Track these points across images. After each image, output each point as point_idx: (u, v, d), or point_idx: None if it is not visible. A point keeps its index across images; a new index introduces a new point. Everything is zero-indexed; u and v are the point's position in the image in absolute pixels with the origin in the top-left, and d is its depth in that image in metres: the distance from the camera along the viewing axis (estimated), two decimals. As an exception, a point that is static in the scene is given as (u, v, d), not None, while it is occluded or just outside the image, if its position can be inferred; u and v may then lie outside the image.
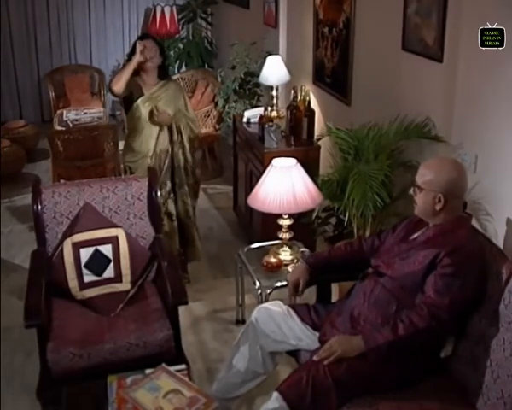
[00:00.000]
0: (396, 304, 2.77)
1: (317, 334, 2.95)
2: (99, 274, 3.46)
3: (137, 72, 4.40)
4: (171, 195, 4.60)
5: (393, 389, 2.67)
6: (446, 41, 3.46)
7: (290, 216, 3.79)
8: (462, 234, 2.75)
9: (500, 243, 3.12)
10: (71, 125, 6.59)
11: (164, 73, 4.57)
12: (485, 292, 2.69)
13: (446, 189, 2.74)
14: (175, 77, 8.44)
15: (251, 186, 4.49)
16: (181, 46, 8.69)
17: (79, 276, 3.44)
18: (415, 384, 2.72)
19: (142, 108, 4.39)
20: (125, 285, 3.50)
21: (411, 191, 2.87)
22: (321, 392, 2.61)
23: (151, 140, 4.46)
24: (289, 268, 3.65)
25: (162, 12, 8.63)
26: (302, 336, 3.01)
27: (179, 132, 4.52)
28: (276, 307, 3.12)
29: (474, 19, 3.12)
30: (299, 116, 4.88)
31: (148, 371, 2.79)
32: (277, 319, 3.05)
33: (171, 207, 4.59)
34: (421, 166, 2.86)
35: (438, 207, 2.75)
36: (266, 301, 3.47)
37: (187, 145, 4.55)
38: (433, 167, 2.80)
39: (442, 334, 2.75)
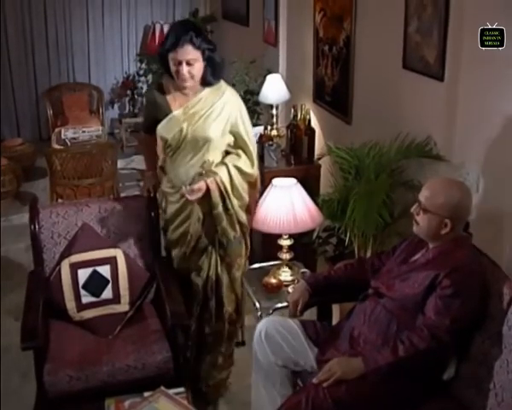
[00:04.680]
0: (396, 325, 2.75)
1: (316, 349, 2.92)
2: (97, 295, 3.43)
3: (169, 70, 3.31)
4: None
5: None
6: (447, 59, 3.44)
7: (290, 236, 3.75)
8: (462, 254, 2.72)
9: (503, 263, 3.08)
10: (69, 143, 6.57)
11: (211, 77, 3.35)
12: (486, 313, 2.66)
13: (454, 214, 2.72)
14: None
15: (251, 206, 4.43)
16: (180, 64, 8.68)
17: (77, 297, 3.41)
18: (416, 407, 2.68)
19: (167, 134, 3.37)
20: (124, 306, 3.47)
21: (413, 209, 2.84)
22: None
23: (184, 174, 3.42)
24: (289, 289, 3.61)
25: (161, 29, 8.67)
26: (304, 353, 2.96)
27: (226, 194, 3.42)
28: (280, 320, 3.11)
29: (476, 38, 3.09)
30: (299, 135, 4.86)
31: (146, 394, 2.76)
32: (283, 332, 3.00)
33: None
34: (428, 186, 2.82)
35: (443, 231, 2.73)
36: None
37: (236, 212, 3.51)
38: (442, 191, 2.76)
39: (443, 355, 2.71)
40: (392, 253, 3.05)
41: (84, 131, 6.93)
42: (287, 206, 3.60)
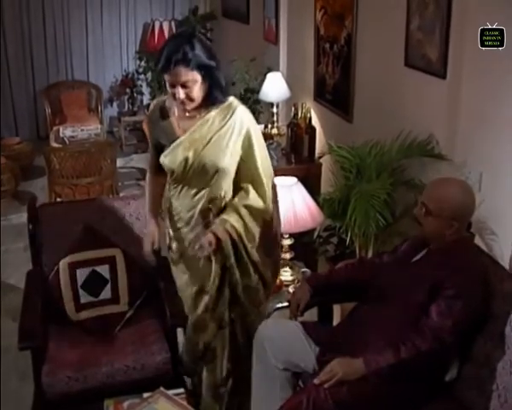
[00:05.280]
0: (398, 326, 2.71)
1: (317, 349, 2.90)
2: (96, 295, 3.41)
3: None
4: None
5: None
6: (450, 57, 3.42)
7: (291, 236, 3.75)
8: (465, 255, 2.72)
9: (506, 263, 3.07)
10: (67, 142, 6.57)
11: (216, 97, 2.92)
12: (489, 314, 2.64)
13: (459, 215, 2.70)
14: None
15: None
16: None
17: (75, 297, 3.39)
18: (418, 409, 2.66)
19: (172, 164, 2.96)
20: (123, 307, 3.45)
21: (416, 212, 2.81)
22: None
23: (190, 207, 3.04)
24: (290, 289, 3.61)
25: (161, 27, 8.64)
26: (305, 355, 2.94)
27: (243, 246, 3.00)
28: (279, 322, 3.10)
29: (479, 27, 3.07)
30: (299, 134, 4.84)
31: (145, 394, 2.74)
32: (284, 334, 2.98)
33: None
34: (431, 189, 2.80)
35: (449, 232, 2.71)
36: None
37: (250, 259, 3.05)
38: (446, 193, 2.73)
39: (445, 356, 2.69)
40: (394, 253, 3.03)
41: (82, 130, 6.93)
42: (287, 205, 3.60)
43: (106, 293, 3.42)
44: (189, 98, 2.82)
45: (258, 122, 5.70)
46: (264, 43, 6.36)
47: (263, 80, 5.32)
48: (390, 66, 4.08)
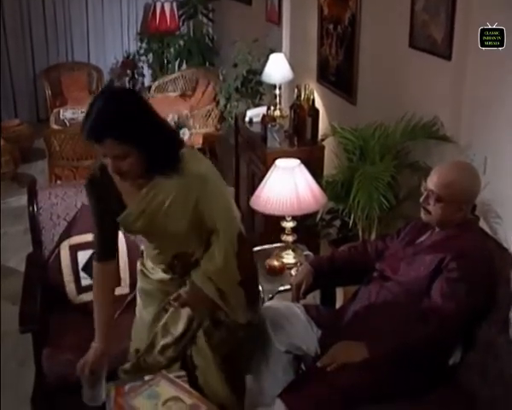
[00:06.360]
0: (401, 309, 2.70)
1: (320, 332, 2.89)
2: (96, 278, 3.38)
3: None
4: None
5: (399, 398, 2.59)
6: (455, 38, 3.38)
7: (293, 218, 3.73)
8: (469, 238, 2.70)
9: (510, 246, 3.03)
10: (68, 124, 6.54)
11: (157, 169, 2.42)
12: (494, 298, 2.62)
13: (467, 198, 2.71)
14: (175, 75, 8.44)
15: (253, 187, 4.41)
16: (181, 43, 8.62)
17: (76, 279, 3.39)
18: (422, 394, 2.63)
19: (129, 229, 2.67)
20: (124, 289, 3.43)
21: (422, 200, 2.78)
22: (324, 399, 2.53)
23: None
24: (292, 272, 3.59)
25: (162, 8, 8.59)
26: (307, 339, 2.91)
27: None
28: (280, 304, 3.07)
29: (484, 14, 3.05)
30: (302, 115, 4.80)
31: (147, 377, 2.70)
32: (286, 317, 2.95)
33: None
34: (438, 174, 2.74)
35: (458, 215, 2.70)
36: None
37: None
38: (454, 177, 2.71)
39: (448, 340, 2.67)
40: (397, 235, 3.02)
41: (83, 112, 6.80)
42: (290, 187, 3.58)
43: (107, 275, 3.40)
44: (125, 170, 2.35)
45: (261, 104, 5.71)
46: (267, 24, 6.32)
47: (265, 62, 5.29)
48: (394, 47, 4.05)
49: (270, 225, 4.26)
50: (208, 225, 2.54)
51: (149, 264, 2.75)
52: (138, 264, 2.79)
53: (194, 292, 2.57)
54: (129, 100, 2.36)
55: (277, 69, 5.16)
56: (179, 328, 2.70)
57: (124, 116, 2.27)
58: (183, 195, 2.45)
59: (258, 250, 3.93)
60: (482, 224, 3.06)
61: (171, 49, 8.57)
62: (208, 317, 2.69)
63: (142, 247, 2.80)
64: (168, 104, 7.34)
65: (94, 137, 2.27)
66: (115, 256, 2.66)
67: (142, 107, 2.38)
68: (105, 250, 2.60)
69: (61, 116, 6.78)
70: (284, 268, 3.68)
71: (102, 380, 2.58)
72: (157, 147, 2.36)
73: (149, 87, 8.52)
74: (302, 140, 4.81)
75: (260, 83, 5.82)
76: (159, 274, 2.72)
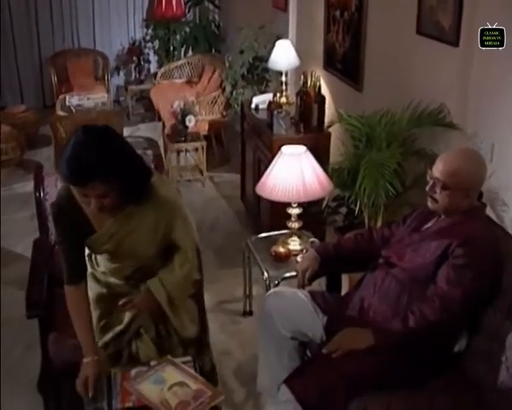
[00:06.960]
0: (407, 296, 2.71)
1: (325, 318, 2.89)
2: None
3: None
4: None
5: (404, 385, 2.60)
6: (463, 25, 3.36)
7: (299, 205, 3.74)
8: (476, 225, 2.69)
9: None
10: (74, 110, 6.54)
11: (132, 198, 2.52)
12: (500, 285, 2.62)
13: (474, 185, 2.70)
14: (179, 63, 8.43)
15: (259, 174, 4.41)
16: (187, 30, 8.59)
17: (82, 265, 3.37)
18: (427, 381, 2.65)
19: (96, 250, 2.71)
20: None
21: (428, 188, 2.77)
22: (329, 386, 2.55)
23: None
24: (298, 258, 3.59)
25: (168, -6, 8.53)
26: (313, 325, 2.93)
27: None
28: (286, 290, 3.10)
29: (492, 1, 3.04)
30: (308, 102, 4.79)
31: (152, 363, 2.71)
32: (291, 303, 2.98)
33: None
34: (444, 162, 2.73)
35: (465, 202, 2.69)
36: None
37: None
38: (460, 165, 2.69)
39: (454, 327, 2.68)
40: (403, 222, 3.02)
41: (89, 99, 6.90)
42: (296, 174, 3.59)
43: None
44: (105, 206, 2.41)
45: (267, 91, 5.70)
46: (273, 11, 6.29)
47: (272, 48, 5.28)
48: (402, 33, 4.02)
49: (275, 212, 4.25)
50: (172, 243, 2.66)
51: (101, 268, 2.78)
52: (88, 267, 2.77)
53: (146, 298, 2.66)
54: (108, 139, 2.40)
55: (284, 56, 5.15)
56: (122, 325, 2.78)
57: (107, 156, 2.33)
58: (155, 220, 2.57)
59: (264, 237, 3.94)
60: (489, 211, 3.05)
61: (178, 36, 8.54)
62: (153, 327, 2.79)
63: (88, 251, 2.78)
64: (174, 91, 7.34)
65: (82, 181, 2.32)
66: (85, 276, 2.70)
67: (120, 142, 2.47)
68: (75, 273, 2.65)
69: (66, 102, 6.77)
70: (290, 255, 3.69)
71: (103, 385, 2.61)
72: (134, 179, 2.46)
73: (155, 74, 8.51)
74: (308, 127, 4.80)
75: (266, 70, 5.80)
76: (111, 279, 2.78)
